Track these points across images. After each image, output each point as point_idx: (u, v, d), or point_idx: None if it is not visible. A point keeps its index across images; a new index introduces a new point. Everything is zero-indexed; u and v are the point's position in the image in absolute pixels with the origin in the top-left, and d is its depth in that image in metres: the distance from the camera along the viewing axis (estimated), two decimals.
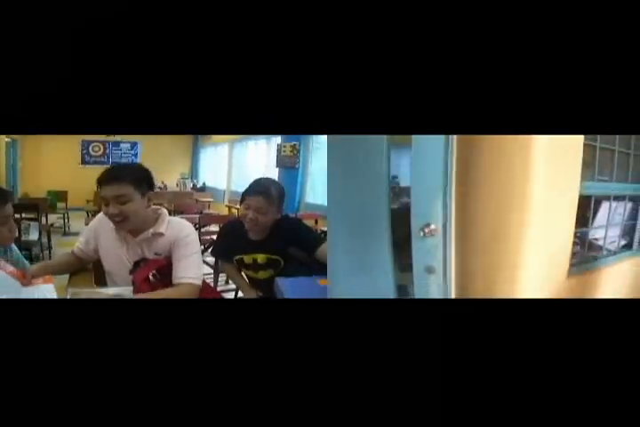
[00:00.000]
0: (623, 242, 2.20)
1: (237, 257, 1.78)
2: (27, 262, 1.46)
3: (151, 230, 1.43)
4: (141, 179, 1.39)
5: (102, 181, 1.37)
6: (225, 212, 5.14)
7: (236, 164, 7.00)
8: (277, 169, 5.59)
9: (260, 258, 1.72)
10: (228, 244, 1.85)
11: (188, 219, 1.97)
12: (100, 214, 1.49)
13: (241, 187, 6.08)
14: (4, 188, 1.46)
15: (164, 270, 1.40)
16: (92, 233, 1.50)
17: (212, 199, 6.08)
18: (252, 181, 1.76)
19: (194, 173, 8.25)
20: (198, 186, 7.80)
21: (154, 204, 1.47)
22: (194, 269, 1.40)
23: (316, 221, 4.33)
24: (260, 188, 1.65)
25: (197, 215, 3.91)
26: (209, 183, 7.97)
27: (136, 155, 8.04)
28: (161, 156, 7.08)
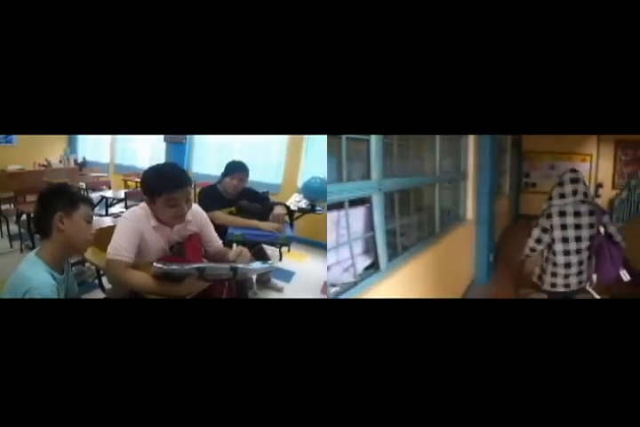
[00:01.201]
0: (366, 263, 1.67)
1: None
2: (76, 287, 1.44)
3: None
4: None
5: (176, 185, 1.50)
6: (121, 185, 5.67)
7: (119, 137, 7.09)
8: (165, 144, 6.12)
9: (234, 210, 2.68)
10: (211, 202, 2.51)
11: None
12: (133, 216, 1.58)
13: (127, 160, 6.51)
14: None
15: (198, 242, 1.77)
16: (136, 234, 1.53)
17: (105, 174, 6.44)
18: (228, 161, 2.76)
19: (72, 147, 8.15)
20: (79, 161, 7.78)
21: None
22: (217, 237, 1.87)
23: None
24: (244, 167, 2.69)
25: (108, 191, 4.56)
26: (89, 157, 7.99)
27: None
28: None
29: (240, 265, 1.46)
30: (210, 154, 5.96)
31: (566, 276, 1.98)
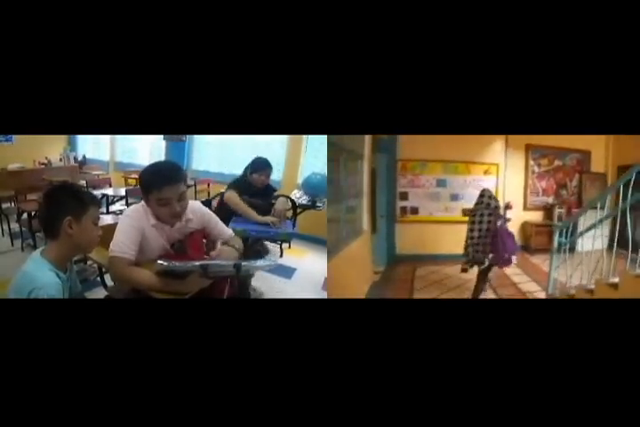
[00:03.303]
0: None
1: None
2: (79, 285, 1.43)
3: (184, 218, 1.63)
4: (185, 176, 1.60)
5: (163, 183, 1.49)
6: (121, 182, 5.67)
7: (119, 135, 6.98)
8: (164, 142, 6.13)
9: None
10: (241, 188, 2.67)
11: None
12: (134, 213, 1.59)
13: (127, 158, 6.48)
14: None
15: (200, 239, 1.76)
16: (137, 232, 1.54)
17: (104, 172, 6.43)
18: (254, 158, 2.78)
19: (72, 145, 8.15)
20: (79, 159, 7.78)
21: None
22: (226, 228, 1.88)
23: (209, 185, 5.31)
24: (268, 164, 2.75)
25: (110, 188, 4.58)
26: (89, 155, 7.99)
27: None
28: None
29: (243, 262, 1.46)
30: (210, 152, 5.95)
31: (475, 251, 3.19)
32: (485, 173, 4.84)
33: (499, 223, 3.16)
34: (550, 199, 5.27)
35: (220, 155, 5.72)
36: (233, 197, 2.60)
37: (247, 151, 5.17)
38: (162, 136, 6.11)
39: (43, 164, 6.45)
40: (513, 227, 5.39)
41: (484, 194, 3.22)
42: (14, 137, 6.58)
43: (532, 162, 5.11)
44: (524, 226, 5.21)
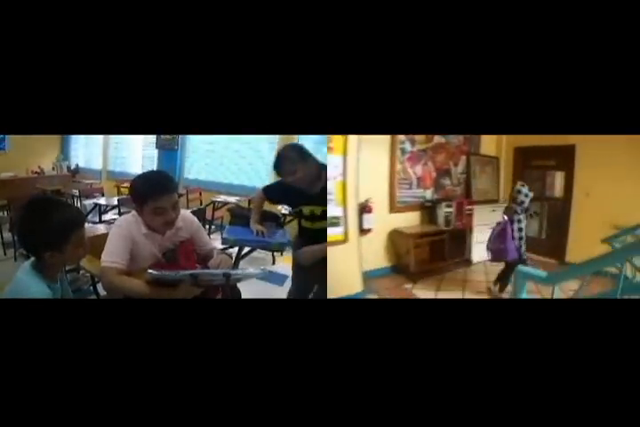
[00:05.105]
0: None
1: (297, 209, 2.13)
2: (71, 293, 1.44)
3: (175, 226, 1.66)
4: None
5: (160, 192, 1.53)
6: (114, 191, 5.69)
7: (112, 144, 7.12)
8: (157, 150, 6.17)
9: (318, 210, 2.04)
10: (287, 193, 2.09)
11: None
12: (124, 223, 1.62)
13: (119, 166, 6.49)
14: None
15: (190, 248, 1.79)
16: (128, 241, 1.57)
17: (96, 181, 6.44)
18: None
19: (65, 154, 8.14)
20: (72, 168, 7.76)
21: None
22: (210, 240, 1.89)
23: (200, 193, 5.35)
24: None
25: (101, 198, 4.59)
26: (82, 164, 7.94)
27: (4, 138, 7.57)
28: (30, 137, 6.56)
29: (232, 271, 1.50)
30: (201, 160, 5.99)
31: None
32: (330, 150, 2.73)
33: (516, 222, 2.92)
34: (429, 193, 3.55)
35: (211, 164, 5.77)
36: (254, 198, 2.44)
37: (237, 159, 5.24)
38: (154, 144, 6.15)
39: (35, 172, 6.47)
40: (377, 239, 3.29)
41: (518, 189, 2.91)
42: (7, 145, 6.58)
43: (401, 137, 3.30)
44: (393, 237, 3.34)
